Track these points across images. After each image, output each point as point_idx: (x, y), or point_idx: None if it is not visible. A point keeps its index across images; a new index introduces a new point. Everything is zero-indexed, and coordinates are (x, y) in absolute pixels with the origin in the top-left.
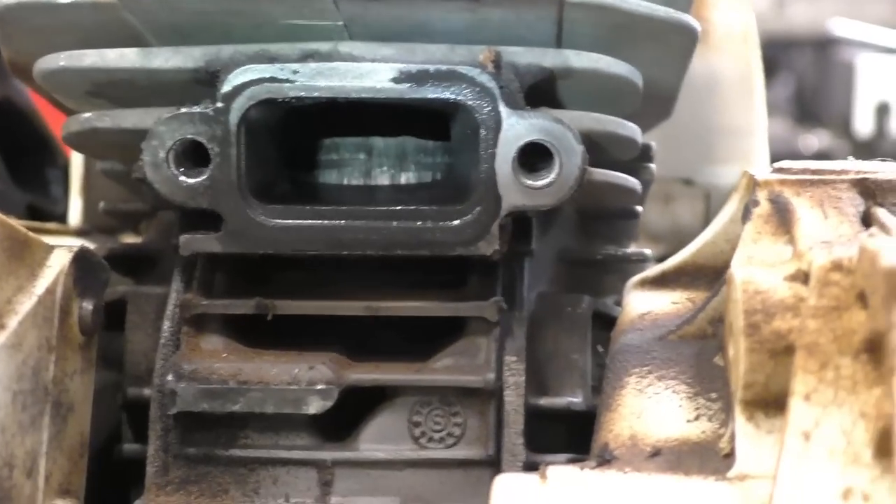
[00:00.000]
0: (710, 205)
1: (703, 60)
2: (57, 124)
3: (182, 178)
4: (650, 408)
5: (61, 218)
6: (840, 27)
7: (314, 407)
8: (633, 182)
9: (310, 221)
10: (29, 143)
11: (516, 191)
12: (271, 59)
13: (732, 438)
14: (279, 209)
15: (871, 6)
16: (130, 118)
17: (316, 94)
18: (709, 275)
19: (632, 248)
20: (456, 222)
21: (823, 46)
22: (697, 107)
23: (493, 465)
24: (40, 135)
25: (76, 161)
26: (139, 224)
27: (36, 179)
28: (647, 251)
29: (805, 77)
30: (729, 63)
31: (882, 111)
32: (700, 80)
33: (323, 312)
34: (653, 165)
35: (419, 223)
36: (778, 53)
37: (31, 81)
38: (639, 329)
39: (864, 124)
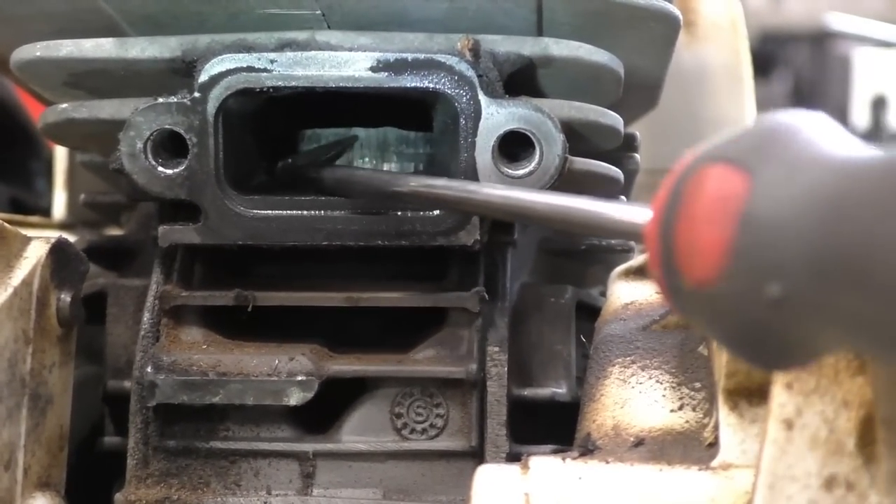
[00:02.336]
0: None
1: (691, 51)
2: (39, 116)
3: (160, 168)
4: (633, 398)
5: (45, 211)
6: (836, 21)
7: (295, 398)
8: (615, 171)
9: (288, 212)
10: (12, 136)
11: (497, 180)
12: (248, 48)
13: (716, 428)
14: (257, 200)
15: (867, 0)
16: (107, 109)
17: (293, 84)
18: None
19: (616, 239)
20: (436, 212)
21: (820, 41)
22: (686, 97)
23: (476, 456)
24: (24, 127)
25: (60, 154)
26: (120, 217)
27: (19, 172)
28: (631, 241)
29: (802, 71)
30: (717, 53)
31: (878, 105)
32: (688, 71)
33: (303, 303)
34: (637, 155)
35: (399, 213)
36: (775, 48)
37: (8, 73)
38: (622, 319)
39: (860, 118)
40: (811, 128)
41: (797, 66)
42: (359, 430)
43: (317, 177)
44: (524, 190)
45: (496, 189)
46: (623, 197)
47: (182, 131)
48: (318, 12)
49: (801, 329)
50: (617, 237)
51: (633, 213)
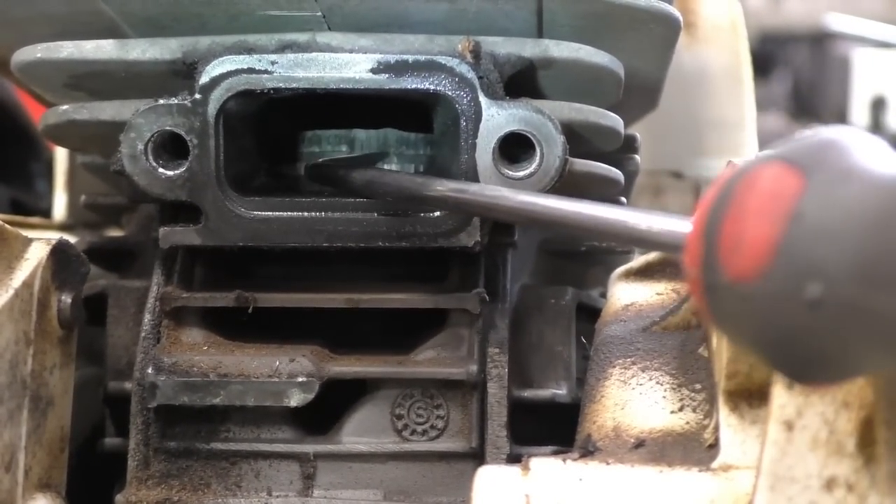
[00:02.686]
0: (700, 197)
1: (691, 52)
2: (40, 118)
3: (160, 170)
4: (634, 399)
5: (45, 213)
6: (836, 22)
7: (295, 400)
8: (615, 173)
9: (289, 213)
10: (12, 137)
11: (497, 181)
12: (249, 49)
13: (716, 429)
14: (258, 201)
15: (867, 1)
16: (108, 110)
17: (294, 85)
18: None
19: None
20: (437, 214)
21: (819, 41)
22: (686, 99)
23: (477, 457)
24: (24, 129)
25: (60, 155)
26: (121, 218)
27: (20, 174)
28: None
29: (801, 72)
30: (717, 55)
31: (878, 105)
32: (689, 73)
33: (304, 305)
34: (637, 157)
35: (399, 215)
36: (775, 49)
37: (9, 74)
38: (623, 320)
39: (860, 118)
40: (866, 142)
41: (796, 66)
42: (359, 432)
43: (346, 177)
44: (554, 197)
45: (528, 196)
46: (623, 198)
47: (183, 133)
48: (319, 14)
49: (836, 336)
50: (657, 249)
51: (673, 223)
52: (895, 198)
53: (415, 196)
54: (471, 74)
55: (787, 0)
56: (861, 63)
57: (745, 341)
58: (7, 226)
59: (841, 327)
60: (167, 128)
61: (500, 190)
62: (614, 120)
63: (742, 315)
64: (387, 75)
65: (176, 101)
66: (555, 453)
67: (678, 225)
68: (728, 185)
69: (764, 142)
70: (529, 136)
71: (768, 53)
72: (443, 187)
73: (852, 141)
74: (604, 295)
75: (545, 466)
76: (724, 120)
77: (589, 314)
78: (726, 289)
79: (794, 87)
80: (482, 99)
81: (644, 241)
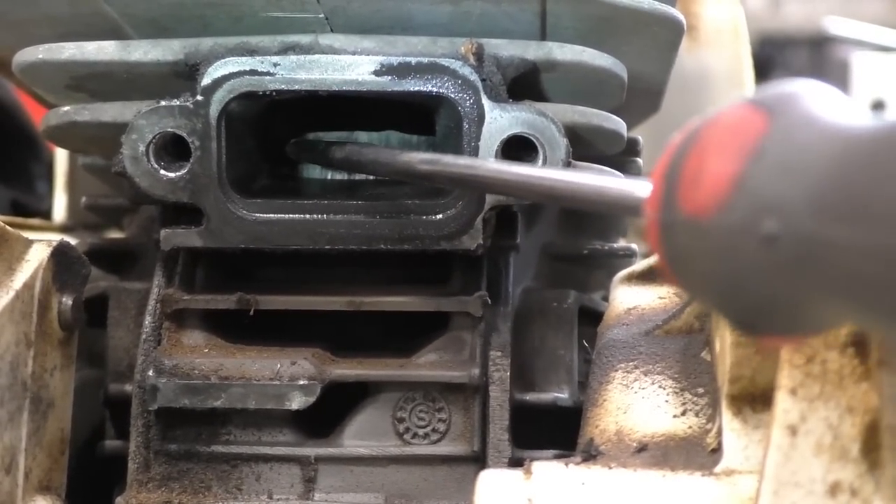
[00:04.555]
0: None
1: (693, 55)
2: (41, 119)
3: (162, 171)
4: (636, 403)
5: (46, 214)
6: (835, 26)
7: (296, 403)
8: (617, 176)
9: (291, 215)
10: (13, 139)
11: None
12: (251, 51)
13: (719, 433)
14: (260, 203)
15: (866, 4)
16: (110, 111)
17: (296, 87)
18: None
19: (619, 244)
20: (439, 216)
21: (819, 45)
22: (688, 102)
23: (479, 461)
24: (25, 130)
25: (61, 157)
26: (122, 219)
27: (20, 175)
28: (634, 246)
29: (800, 75)
30: (719, 58)
31: (877, 109)
32: (690, 75)
33: (305, 307)
34: (640, 160)
35: (402, 217)
36: (774, 52)
37: (10, 75)
38: (625, 324)
39: None
40: (830, 94)
41: (795, 69)
42: (361, 435)
43: (325, 151)
44: (524, 166)
45: (499, 165)
46: None
47: (185, 134)
48: (322, 16)
49: (790, 275)
50: (619, 210)
51: (636, 185)
52: (855, 142)
53: (391, 168)
54: (474, 77)
55: (787, 3)
56: (860, 66)
57: (697, 283)
58: (8, 227)
59: (797, 265)
60: (169, 129)
61: (472, 160)
62: (617, 123)
63: (696, 253)
64: (389, 77)
65: (178, 103)
66: (557, 457)
67: (643, 186)
68: (694, 128)
69: None
70: (532, 138)
71: (767, 57)
72: (419, 158)
73: (817, 92)
74: (606, 298)
75: (547, 470)
76: None
77: (591, 318)
78: (682, 224)
79: None
80: (485, 101)
81: (609, 202)
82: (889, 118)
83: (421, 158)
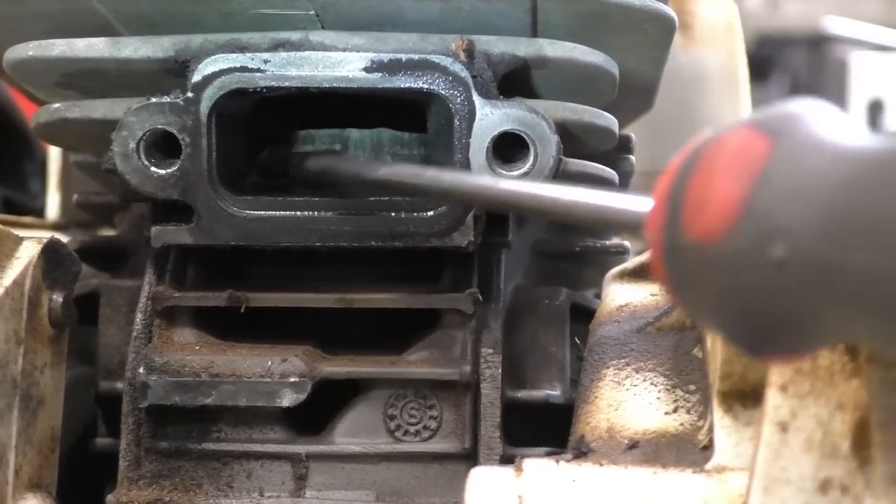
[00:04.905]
0: None
1: (687, 53)
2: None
3: (152, 168)
4: (628, 400)
5: (38, 212)
6: (833, 25)
7: (287, 400)
8: (609, 173)
9: (281, 213)
10: (6, 137)
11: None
12: (242, 48)
13: (710, 430)
14: (250, 200)
15: (864, 4)
16: (100, 108)
17: (287, 84)
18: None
19: (611, 241)
20: (430, 213)
21: (817, 44)
22: (682, 100)
23: (470, 458)
24: (17, 128)
25: (54, 155)
26: (113, 217)
27: (13, 173)
28: (627, 243)
29: (798, 75)
30: (713, 56)
31: (875, 108)
32: (684, 73)
33: (296, 305)
34: (632, 157)
35: (393, 214)
36: (772, 52)
37: (0, 73)
38: (617, 321)
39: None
40: (833, 114)
41: (794, 69)
42: (352, 432)
43: (300, 164)
44: (516, 181)
45: (490, 181)
46: None
47: (175, 131)
48: (312, 12)
49: (799, 298)
50: (618, 228)
51: (635, 201)
52: (861, 163)
53: (366, 180)
54: (464, 73)
55: (785, 3)
56: (858, 66)
57: (704, 308)
58: None
59: (805, 288)
60: (159, 126)
61: (462, 174)
62: (609, 120)
63: (703, 278)
64: (380, 74)
65: (168, 100)
66: (548, 454)
67: (643, 202)
68: (696, 149)
69: None
70: (523, 135)
71: (766, 56)
72: (397, 172)
73: (820, 112)
74: (598, 296)
75: (538, 467)
76: (720, 121)
77: (583, 315)
78: (688, 250)
79: (791, 90)
80: (476, 98)
81: (608, 218)
82: (892, 138)
83: (403, 173)
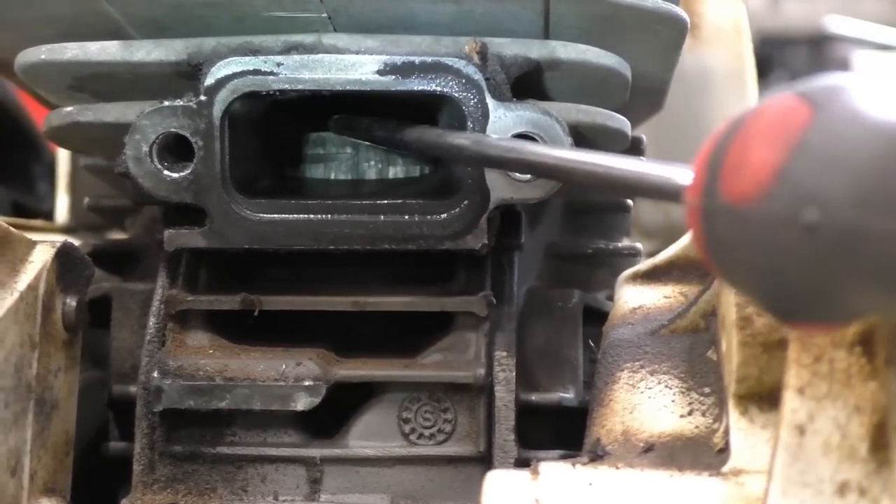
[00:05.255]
0: None
1: (695, 54)
2: (42, 120)
3: (165, 172)
4: (643, 403)
5: (47, 215)
6: (835, 24)
7: (302, 403)
8: None
9: (294, 216)
10: (14, 140)
11: (504, 184)
12: (254, 51)
13: (726, 433)
14: (263, 203)
15: (866, 3)
16: (112, 112)
17: (300, 87)
18: (701, 268)
19: (623, 243)
20: (443, 216)
21: (819, 44)
22: (690, 101)
23: (484, 461)
24: (26, 131)
25: (62, 157)
26: (124, 220)
27: (21, 176)
28: (639, 245)
29: (800, 74)
30: (721, 57)
31: None
32: (692, 74)
33: (310, 308)
34: (644, 159)
35: (406, 217)
36: (773, 51)
37: (12, 76)
38: (630, 324)
39: None
40: (876, 89)
41: (795, 68)
42: (366, 435)
43: (369, 128)
44: (566, 149)
45: (543, 149)
46: (629, 200)
47: (188, 135)
48: (325, 15)
49: (830, 264)
50: (659, 196)
51: (674, 169)
52: (894, 136)
53: (431, 145)
54: (477, 76)
55: (787, 2)
56: (860, 65)
57: (736, 270)
58: (12, 229)
59: (836, 254)
60: (172, 129)
61: (514, 142)
62: (621, 122)
63: (737, 240)
64: (393, 77)
65: (181, 103)
66: (563, 457)
67: (681, 171)
68: (738, 118)
69: None
70: (536, 137)
71: (767, 55)
72: (459, 139)
73: (862, 86)
74: (611, 298)
75: (555, 471)
76: None
77: (596, 317)
78: (724, 212)
79: None
80: (489, 100)
81: (649, 184)
82: None
83: (462, 138)
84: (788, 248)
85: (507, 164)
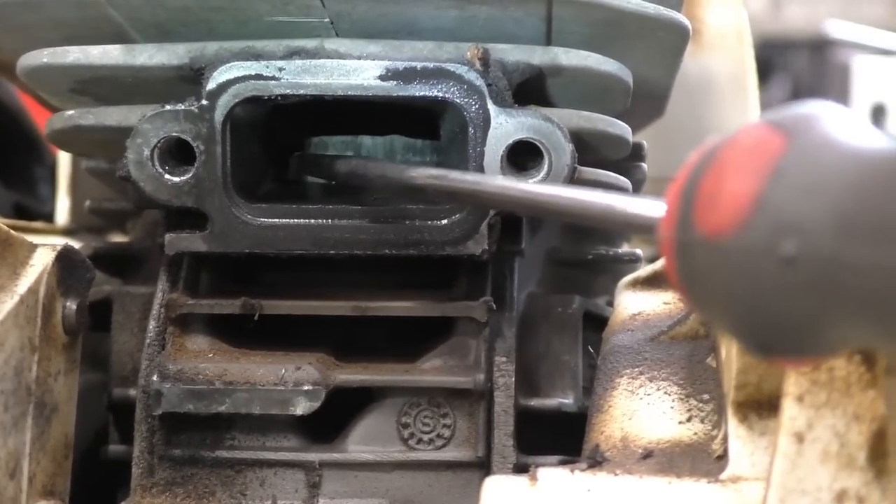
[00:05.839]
0: None
1: (696, 60)
2: (44, 122)
3: (167, 176)
4: (642, 409)
5: (48, 217)
6: (836, 29)
7: (301, 408)
8: (623, 181)
9: (296, 220)
10: (16, 142)
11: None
12: (257, 56)
13: (725, 440)
14: (265, 208)
15: (867, 7)
16: (114, 115)
17: (302, 92)
18: None
19: (624, 249)
20: (444, 221)
21: (819, 48)
22: (691, 106)
23: (483, 467)
24: (27, 133)
25: (63, 160)
26: (125, 223)
27: (23, 178)
28: (639, 251)
29: (801, 79)
30: (722, 62)
31: (878, 113)
32: (694, 80)
33: (310, 312)
34: (644, 165)
35: (407, 222)
36: (774, 55)
37: (14, 79)
38: (630, 330)
39: None
40: (845, 116)
41: (796, 73)
42: (365, 440)
43: (330, 166)
44: (537, 183)
45: (509, 182)
46: None
47: (189, 139)
48: (327, 20)
49: (809, 296)
50: (631, 230)
51: (648, 204)
52: (874, 163)
53: (397, 183)
54: (479, 82)
55: (787, 6)
56: (861, 70)
57: (713, 303)
58: (12, 232)
59: (815, 286)
60: (174, 133)
61: (480, 176)
62: (623, 128)
63: (713, 273)
64: (395, 82)
65: (183, 107)
66: (561, 463)
67: (656, 205)
68: (711, 148)
69: None
70: (538, 144)
71: (768, 60)
72: (427, 174)
73: (833, 113)
74: (611, 304)
75: (553, 477)
76: (730, 127)
77: (596, 323)
78: (699, 245)
79: (793, 94)
80: (491, 106)
81: (621, 221)
82: None
83: (429, 174)
84: (767, 281)
85: (472, 199)
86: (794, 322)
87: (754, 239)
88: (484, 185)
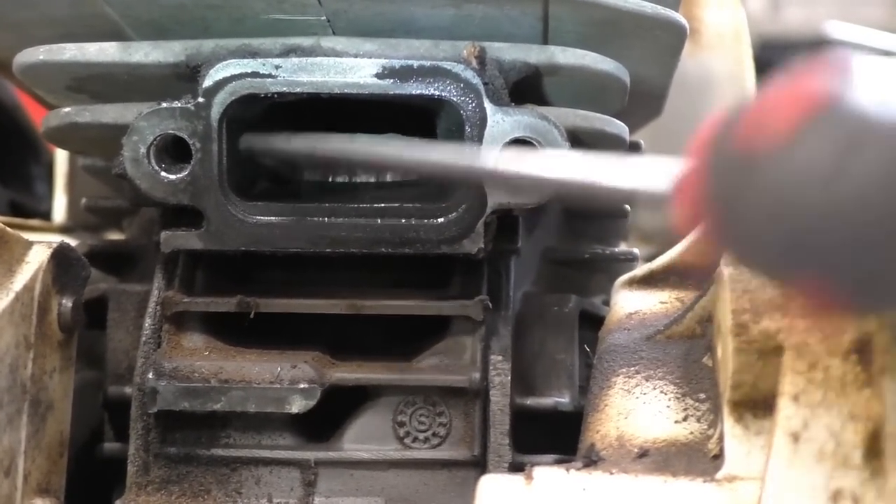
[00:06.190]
0: None
1: (694, 59)
2: (41, 120)
3: (163, 173)
4: (638, 408)
5: (45, 215)
6: (835, 30)
7: (297, 406)
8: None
9: (291, 218)
10: (13, 140)
11: (501, 188)
12: (253, 53)
13: (721, 439)
14: (260, 206)
15: (866, 9)
16: (110, 113)
17: (298, 90)
18: (698, 274)
19: (620, 248)
20: (440, 220)
21: (818, 48)
22: (689, 106)
23: (479, 465)
24: (24, 131)
25: (60, 157)
26: (122, 221)
27: (19, 176)
28: (635, 250)
29: None
30: (721, 62)
31: None
32: (692, 79)
33: (306, 310)
34: None
35: (403, 221)
36: (773, 56)
37: (10, 76)
38: (626, 329)
39: None
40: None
41: None
42: (361, 439)
43: (274, 143)
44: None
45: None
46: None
47: (185, 136)
48: (324, 18)
49: (882, 225)
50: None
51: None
52: None
53: (372, 160)
54: (476, 80)
55: (787, 7)
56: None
57: (753, 237)
58: (8, 229)
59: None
60: (170, 131)
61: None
62: (619, 127)
63: (750, 188)
64: (391, 80)
65: (179, 105)
66: (557, 462)
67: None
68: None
69: None
70: (534, 142)
71: (767, 60)
72: (400, 151)
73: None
74: (607, 303)
75: (548, 476)
76: None
77: (592, 322)
78: (741, 158)
79: None
80: (487, 105)
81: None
82: None
83: (406, 151)
84: (827, 201)
85: (449, 174)
86: (859, 255)
87: (818, 147)
88: (455, 162)
